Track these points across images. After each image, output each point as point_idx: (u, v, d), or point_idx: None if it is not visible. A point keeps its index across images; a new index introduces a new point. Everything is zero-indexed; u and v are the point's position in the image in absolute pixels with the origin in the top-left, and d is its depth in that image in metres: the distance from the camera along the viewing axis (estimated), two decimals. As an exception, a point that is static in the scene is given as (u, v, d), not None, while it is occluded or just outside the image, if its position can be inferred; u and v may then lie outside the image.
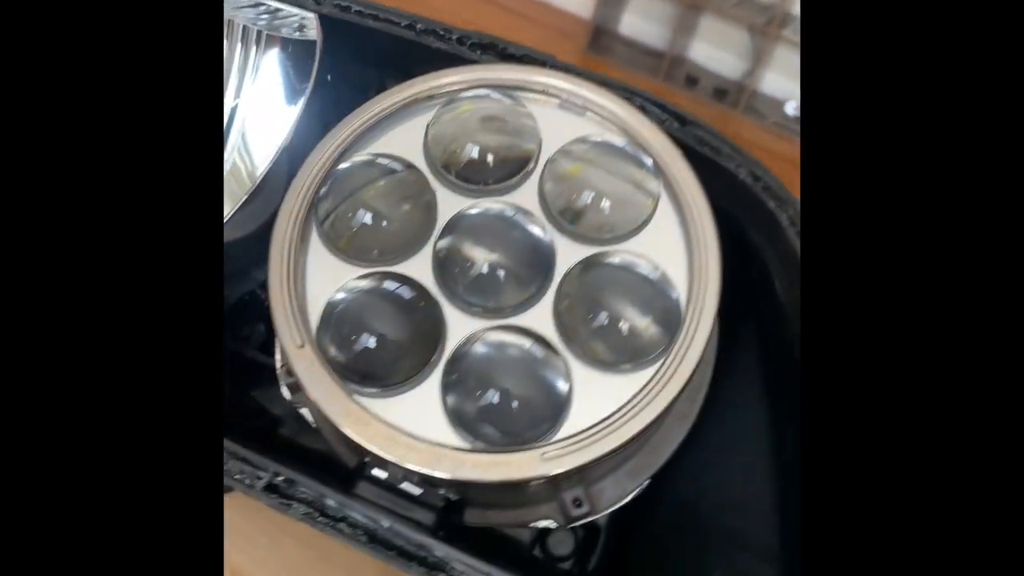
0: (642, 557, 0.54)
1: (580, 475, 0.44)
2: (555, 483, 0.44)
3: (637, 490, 0.47)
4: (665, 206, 0.44)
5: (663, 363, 0.40)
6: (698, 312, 0.41)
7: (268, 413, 0.55)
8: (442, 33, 0.53)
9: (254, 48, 0.56)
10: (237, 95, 0.55)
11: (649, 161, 0.44)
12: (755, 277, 0.49)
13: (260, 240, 0.52)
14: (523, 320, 0.42)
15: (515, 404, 0.40)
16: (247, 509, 0.58)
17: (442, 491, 0.43)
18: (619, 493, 0.46)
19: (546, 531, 0.56)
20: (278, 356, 0.48)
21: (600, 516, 0.47)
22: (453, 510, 0.44)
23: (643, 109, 0.48)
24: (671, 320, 0.41)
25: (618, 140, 0.45)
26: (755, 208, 0.47)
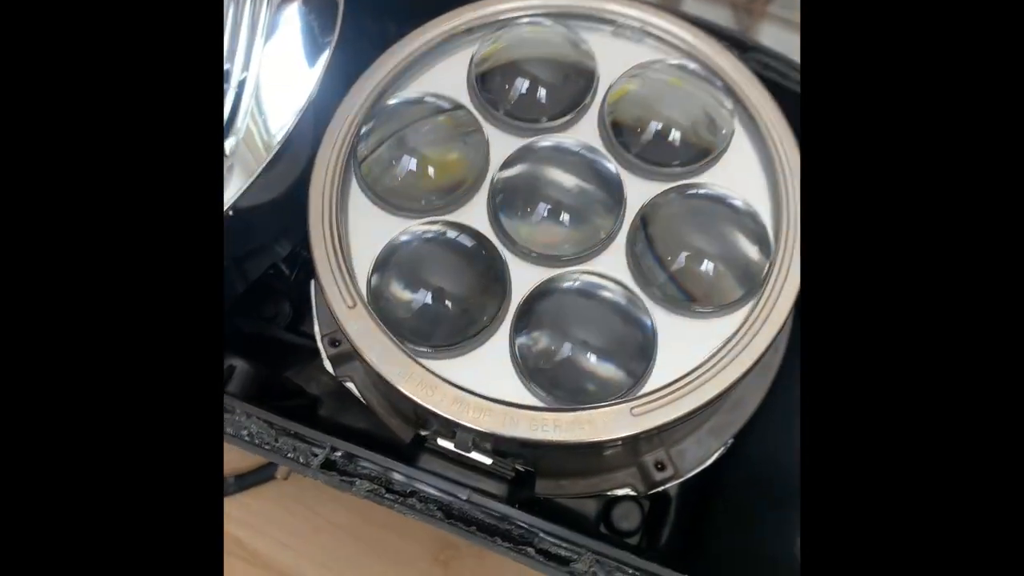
0: (717, 527, 0.50)
1: (663, 436, 0.40)
2: (636, 446, 0.40)
3: (722, 450, 0.42)
4: (740, 134, 0.40)
5: (755, 305, 0.36)
6: (789, 246, 0.37)
7: (305, 394, 0.50)
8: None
9: (264, 5, 0.52)
10: (247, 56, 0.51)
11: (720, 84, 0.40)
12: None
13: (281, 210, 0.48)
14: (595, 265, 0.38)
15: (595, 356, 0.35)
16: (287, 499, 0.54)
17: (511, 462, 0.39)
18: (702, 454, 0.42)
19: (612, 504, 0.52)
20: (317, 328, 0.44)
21: (680, 482, 0.43)
22: (524, 481, 0.40)
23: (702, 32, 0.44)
24: (760, 257, 0.37)
25: (687, 63, 0.41)
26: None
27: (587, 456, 0.40)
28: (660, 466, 0.41)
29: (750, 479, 0.48)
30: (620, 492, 0.42)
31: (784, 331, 0.43)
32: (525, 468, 0.40)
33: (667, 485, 0.41)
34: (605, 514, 0.52)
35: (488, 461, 0.38)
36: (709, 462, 0.42)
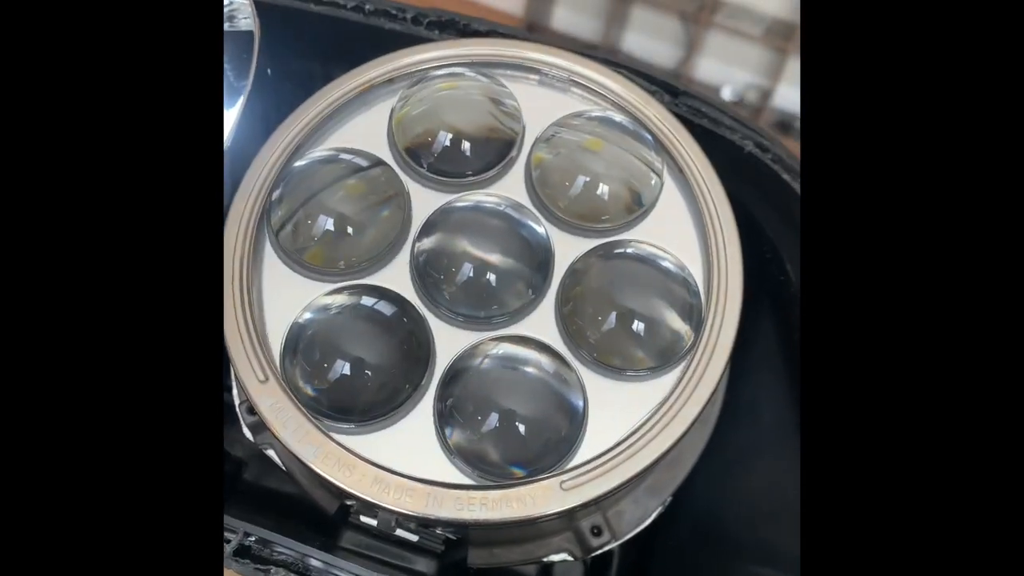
0: (663, 580, 0.49)
1: (598, 501, 0.38)
2: (571, 512, 0.39)
3: (660, 508, 0.41)
4: (670, 187, 0.39)
5: (687, 365, 0.35)
6: (722, 303, 0.36)
7: (227, 456, 0.48)
8: (395, 13, 0.46)
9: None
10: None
11: (649, 137, 0.39)
12: (767, 259, 0.44)
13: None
14: (522, 328, 0.36)
15: (523, 427, 0.34)
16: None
17: (440, 532, 0.37)
18: (640, 514, 0.41)
19: (550, 565, 0.50)
20: (236, 393, 0.41)
21: (618, 544, 0.42)
22: (455, 553, 0.39)
23: (629, 81, 0.43)
24: (691, 315, 0.36)
25: (614, 115, 0.40)
26: (765, 182, 0.42)
27: (521, 527, 0.38)
28: (596, 531, 0.39)
29: (691, 534, 0.47)
30: (556, 558, 0.40)
31: (720, 386, 0.42)
32: (456, 537, 0.38)
33: (604, 548, 0.40)
34: (546, 574, 0.50)
35: (414, 539, 0.36)
36: (647, 522, 0.41)
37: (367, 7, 0.47)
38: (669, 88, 0.44)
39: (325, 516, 0.39)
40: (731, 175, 0.43)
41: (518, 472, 0.34)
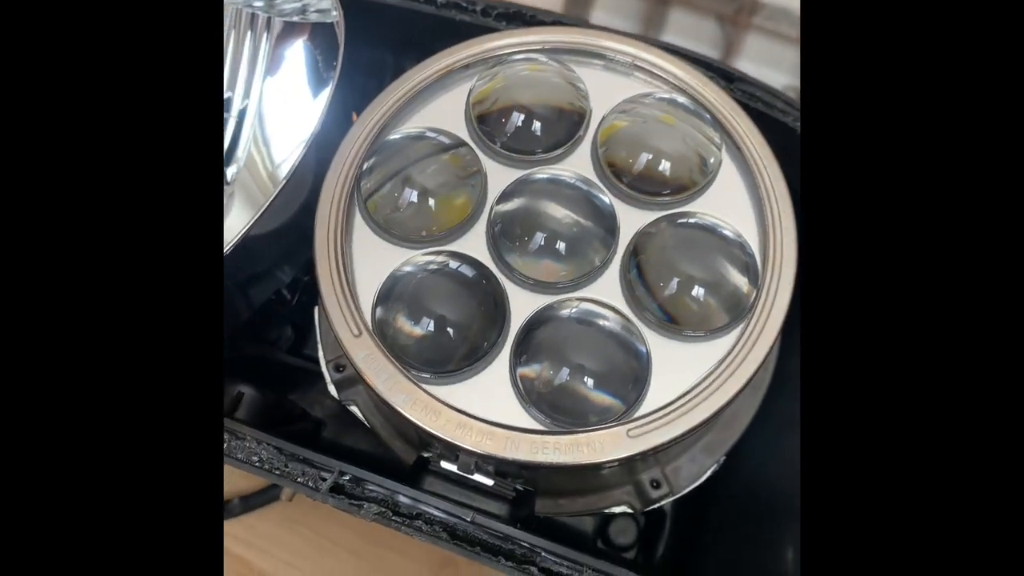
0: (711, 541, 0.52)
1: (657, 455, 0.41)
2: (632, 465, 0.41)
3: (715, 466, 0.44)
4: (728, 164, 0.42)
5: (744, 329, 0.38)
6: (778, 270, 0.39)
7: (309, 416, 0.52)
8: (465, 5, 0.50)
9: (265, 36, 0.53)
10: (247, 87, 0.52)
11: (708, 116, 0.42)
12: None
13: (283, 237, 0.49)
14: (590, 292, 0.39)
15: (592, 380, 0.37)
16: (292, 520, 0.55)
17: (512, 481, 0.40)
18: (696, 471, 0.44)
19: (608, 520, 0.53)
20: (322, 353, 0.45)
21: (669, 500, 0.44)
22: (524, 501, 0.42)
23: (689, 65, 0.45)
24: (748, 282, 0.39)
25: (675, 97, 0.42)
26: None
27: (585, 476, 0.42)
28: (656, 484, 0.42)
29: (743, 494, 0.49)
30: (617, 510, 0.43)
31: (773, 352, 0.45)
32: (525, 488, 0.41)
33: (662, 502, 0.43)
34: (602, 530, 0.53)
35: (490, 482, 0.39)
36: (703, 479, 0.44)
37: (439, 0, 0.50)
38: (725, 74, 0.47)
39: (404, 467, 0.42)
40: (784, 155, 0.45)
41: (588, 420, 0.37)
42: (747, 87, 0.47)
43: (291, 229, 0.48)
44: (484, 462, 0.37)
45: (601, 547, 0.53)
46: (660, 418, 0.36)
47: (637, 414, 0.37)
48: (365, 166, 0.41)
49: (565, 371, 0.37)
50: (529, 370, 0.37)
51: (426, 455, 0.41)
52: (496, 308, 0.38)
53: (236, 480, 0.55)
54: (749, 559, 0.48)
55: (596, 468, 0.37)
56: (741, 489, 0.49)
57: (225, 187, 0.51)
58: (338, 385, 0.44)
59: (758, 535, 0.49)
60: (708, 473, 0.44)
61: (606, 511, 0.43)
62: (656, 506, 0.43)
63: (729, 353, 0.37)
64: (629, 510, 0.43)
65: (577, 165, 0.42)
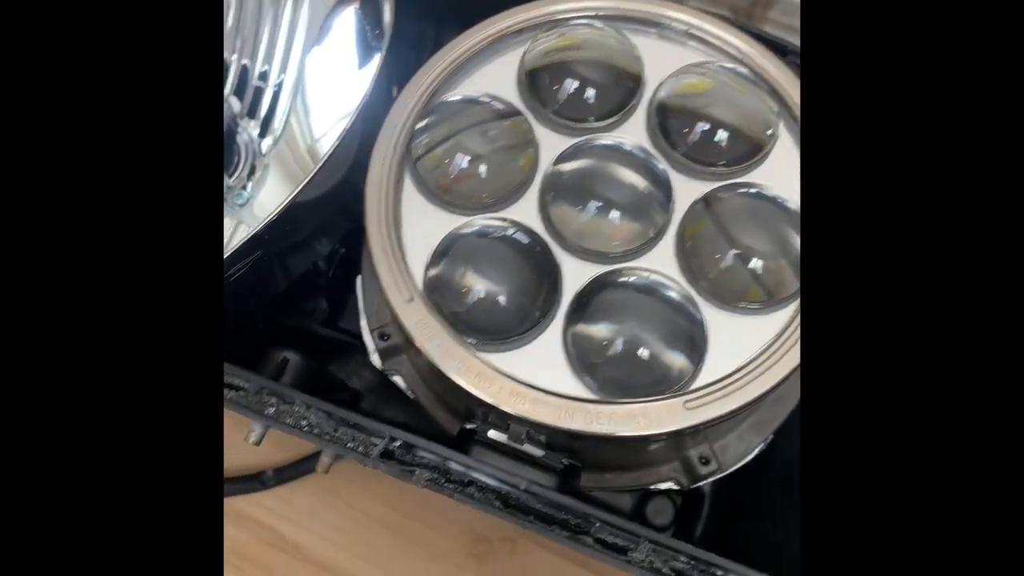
0: (751, 523, 0.51)
1: (707, 431, 0.41)
2: (681, 440, 0.41)
3: (762, 445, 0.43)
4: (785, 136, 0.41)
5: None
6: (837, 243, 0.38)
7: (347, 388, 0.51)
8: (511, -26, 0.49)
9: (306, 5, 0.52)
10: (285, 59, 0.52)
11: (766, 87, 0.41)
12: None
13: (324, 209, 0.49)
14: (645, 262, 0.39)
15: (648, 351, 0.36)
16: (326, 493, 0.55)
17: (559, 454, 0.40)
18: (743, 449, 0.43)
19: (646, 500, 0.53)
20: (365, 323, 0.44)
21: (717, 477, 0.44)
22: (570, 474, 0.41)
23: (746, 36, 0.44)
24: (806, 254, 0.38)
25: (733, 66, 0.42)
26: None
27: (633, 450, 0.41)
28: (704, 460, 0.41)
29: (781, 476, 0.48)
30: (664, 486, 0.43)
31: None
32: (571, 462, 0.41)
33: (710, 479, 0.42)
34: (639, 509, 0.53)
35: (540, 453, 0.38)
36: (750, 457, 0.43)
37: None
38: (777, 47, 0.46)
39: (448, 438, 0.42)
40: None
41: (642, 391, 0.36)
42: (799, 60, 0.46)
43: (331, 201, 0.48)
44: (537, 431, 0.37)
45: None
46: (717, 391, 0.35)
47: (693, 387, 0.36)
48: (418, 127, 0.40)
49: (620, 340, 0.36)
50: (583, 339, 0.37)
51: (470, 426, 0.40)
52: (549, 276, 0.38)
53: (270, 452, 0.55)
54: (785, 542, 0.48)
55: (648, 441, 0.36)
56: (780, 471, 0.48)
57: (260, 159, 0.50)
58: (382, 354, 0.43)
59: (795, 518, 0.48)
60: (756, 452, 0.43)
61: (652, 487, 0.43)
62: (703, 483, 0.42)
63: (787, 327, 0.36)
64: (676, 487, 0.42)
65: (631, 133, 0.41)
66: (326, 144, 0.45)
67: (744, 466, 0.44)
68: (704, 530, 0.52)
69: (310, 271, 0.55)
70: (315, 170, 0.44)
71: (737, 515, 0.52)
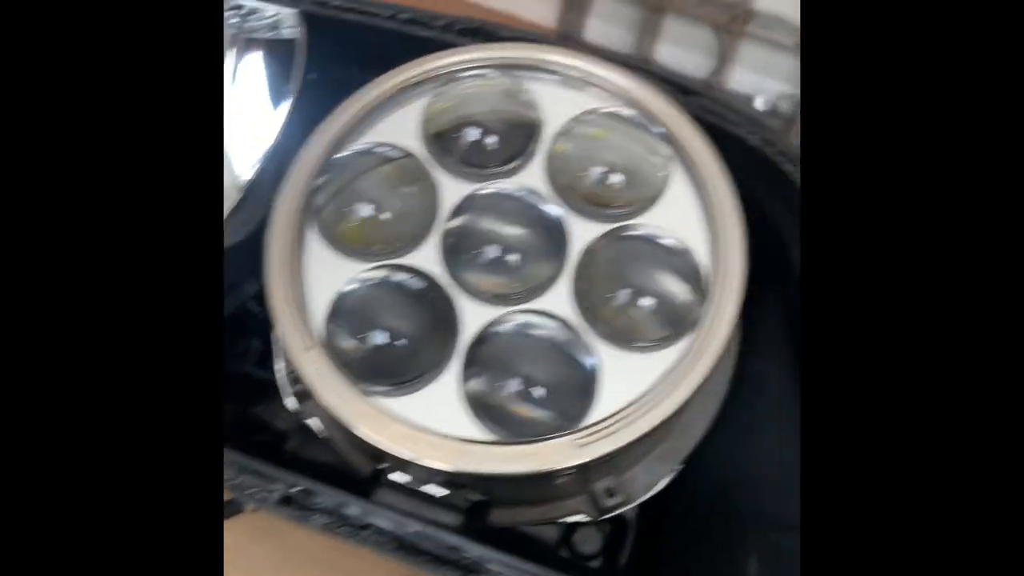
0: (675, 548, 0.52)
1: (611, 464, 0.42)
2: (586, 474, 0.42)
3: (671, 475, 0.44)
4: (678, 176, 0.43)
5: (692, 339, 0.38)
6: (725, 281, 0.39)
7: (271, 428, 0.52)
8: (427, 21, 0.50)
9: (233, 52, 0.54)
10: (215, 102, 0.53)
11: (659, 130, 0.42)
12: (771, 244, 0.47)
13: (248, 251, 0.50)
14: (541, 303, 0.40)
15: (541, 390, 0.37)
16: (258, 531, 0.55)
17: (466, 491, 0.41)
18: (651, 480, 0.44)
19: (572, 529, 0.54)
20: (280, 365, 0.45)
21: (631, 507, 0.45)
22: (479, 511, 0.42)
23: (641, 80, 0.46)
24: (695, 294, 0.39)
25: (626, 111, 0.43)
26: (769, 174, 0.45)
27: (539, 486, 0.42)
28: (610, 493, 0.42)
29: (706, 501, 0.50)
30: (572, 519, 0.44)
31: (727, 360, 0.45)
32: (479, 499, 0.41)
33: (618, 511, 0.43)
34: (567, 538, 0.54)
35: (442, 493, 0.39)
36: (659, 487, 0.44)
37: (401, 16, 0.51)
38: (681, 88, 0.47)
39: (361, 478, 0.43)
40: (740, 168, 0.46)
41: (537, 430, 0.37)
42: (704, 101, 0.47)
43: (256, 242, 0.49)
44: (435, 474, 0.38)
45: (565, 556, 0.54)
46: (606, 428, 0.36)
47: (585, 424, 0.37)
48: (318, 182, 0.41)
49: (515, 382, 0.37)
50: (478, 382, 0.38)
51: (381, 467, 0.41)
52: (446, 320, 0.39)
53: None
54: (713, 566, 0.49)
55: (546, 477, 0.37)
56: (704, 496, 0.49)
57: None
58: (298, 397, 0.44)
59: (722, 542, 0.49)
60: (664, 482, 0.44)
61: (562, 520, 0.44)
62: (611, 515, 0.43)
63: (675, 365, 0.38)
64: (585, 519, 0.43)
65: (530, 179, 0.43)
66: (238, 191, 0.47)
67: (663, 493, 0.45)
68: (631, 557, 0.53)
69: (240, 311, 0.56)
70: (228, 210, 0.45)
71: (662, 542, 0.53)
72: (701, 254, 0.40)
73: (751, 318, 0.46)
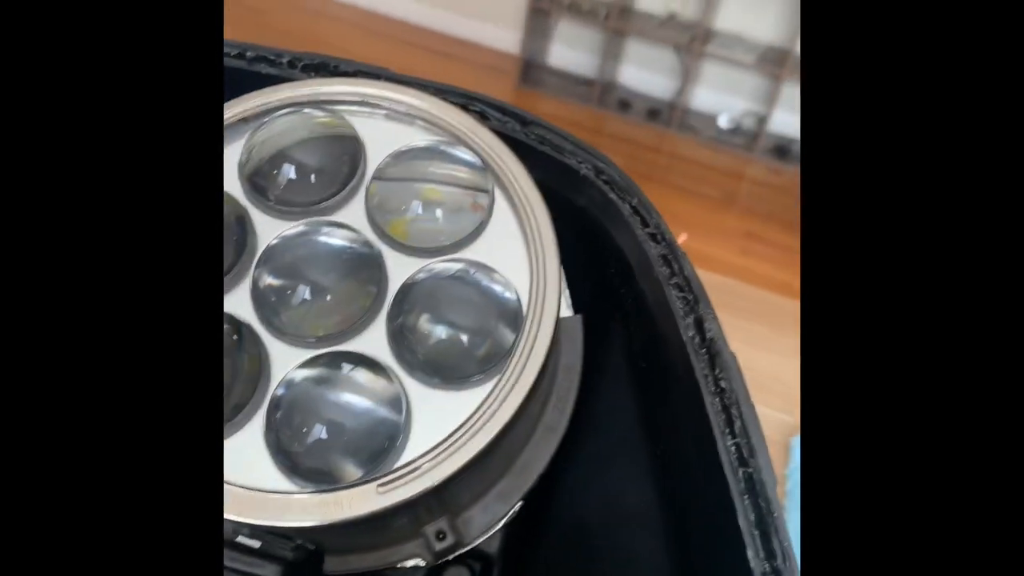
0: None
1: (441, 505, 0.41)
2: (416, 517, 0.41)
3: (509, 514, 0.43)
4: (502, 208, 0.42)
5: (504, 371, 0.38)
6: (538, 314, 0.38)
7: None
8: (272, 58, 0.50)
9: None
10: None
11: (478, 162, 0.42)
12: (614, 273, 0.47)
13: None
14: (355, 345, 0.39)
15: (344, 437, 0.36)
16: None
17: (288, 540, 0.39)
18: (490, 519, 0.43)
19: (441, 570, 0.52)
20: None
21: (459, 552, 0.43)
22: (309, 560, 0.41)
23: (482, 114, 0.46)
24: (512, 326, 0.38)
25: (444, 144, 0.42)
26: (602, 202, 0.45)
27: (369, 531, 0.41)
28: (441, 535, 0.41)
29: (558, 539, 0.49)
30: (410, 563, 0.42)
31: (560, 393, 0.44)
32: (307, 548, 0.40)
33: (453, 554, 0.42)
34: (436, 579, 0.52)
35: (256, 544, 0.38)
36: (498, 527, 0.43)
37: (248, 54, 0.50)
38: (520, 118, 0.47)
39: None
40: (578, 196, 0.46)
41: (343, 478, 0.36)
42: (540, 131, 0.47)
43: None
44: (240, 525, 0.36)
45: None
46: (410, 472, 0.35)
47: (390, 468, 0.36)
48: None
49: (316, 429, 0.36)
50: (281, 430, 0.37)
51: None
52: (251, 366, 0.38)
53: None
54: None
55: (366, 526, 0.36)
56: (556, 535, 0.48)
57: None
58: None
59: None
60: (504, 521, 0.43)
61: (399, 566, 0.42)
62: (447, 558, 0.42)
63: (483, 402, 0.37)
64: (422, 563, 0.42)
65: (352, 215, 0.42)
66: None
67: (517, 531, 0.44)
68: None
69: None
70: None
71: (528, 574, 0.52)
72: (520, 288, 0.40)
73: (596, 353, 0.46)
